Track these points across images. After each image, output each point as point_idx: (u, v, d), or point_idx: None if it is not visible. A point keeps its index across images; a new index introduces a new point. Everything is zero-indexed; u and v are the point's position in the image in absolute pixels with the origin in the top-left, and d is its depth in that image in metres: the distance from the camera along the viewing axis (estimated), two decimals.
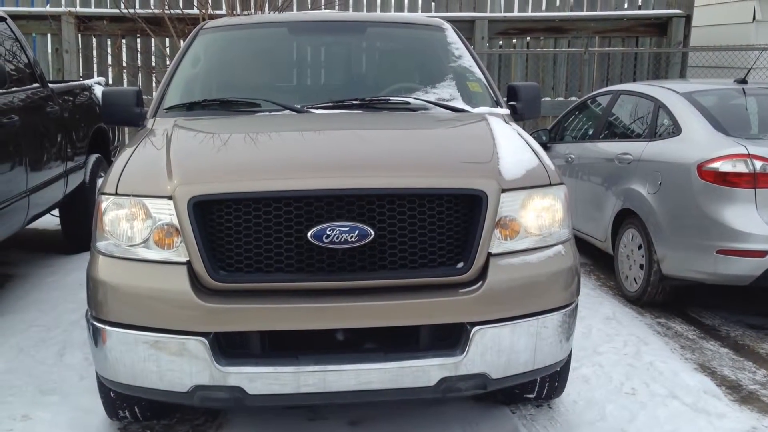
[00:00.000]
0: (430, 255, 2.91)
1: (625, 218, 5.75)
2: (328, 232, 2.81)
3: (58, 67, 10.36)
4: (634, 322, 5.13)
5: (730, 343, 4.79)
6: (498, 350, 2.93)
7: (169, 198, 2.89)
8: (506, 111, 4.20)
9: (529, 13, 10.94)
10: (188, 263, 2.86)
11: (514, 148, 3.37)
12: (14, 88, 5.38)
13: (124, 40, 10.34)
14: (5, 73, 4.52)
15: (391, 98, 4.05)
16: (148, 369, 2.88)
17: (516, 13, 10.95)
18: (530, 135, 7.63)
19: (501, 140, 3.44)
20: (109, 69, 10.39)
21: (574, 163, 6.78)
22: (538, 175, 3.16)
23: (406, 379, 2.88)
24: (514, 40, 11.06)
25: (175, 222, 2.87)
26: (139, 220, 2.95)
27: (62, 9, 10.16)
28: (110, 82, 10.05)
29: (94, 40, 10.41)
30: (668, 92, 5.74)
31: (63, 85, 6.63)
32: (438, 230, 2.91)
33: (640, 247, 5.50)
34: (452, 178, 2.98)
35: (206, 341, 2.80)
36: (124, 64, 10.37)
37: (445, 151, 3.30)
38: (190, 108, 4.04)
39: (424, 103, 4.02)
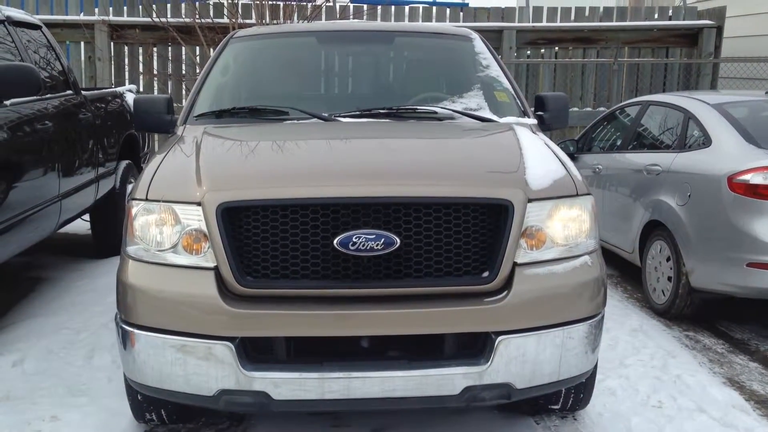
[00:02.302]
0: (455, 264, 2.91)
1: (653, 230, 5.70)
2: (354, 240, 2.83)
3: (90, 75, 10.53)
4: (661, 335, 5.08)
5: (760, 357, 4.73)
6: (523, 360, 2.92)
7: (198, 204, 2.92)
8: (533, 121, 4.20)
9: (558, 24, 10.93)
10: (216, 269, 2.89)
11: (541, 158, 3.36)
12: (48, 95, 5.48)
13: (155, 48, 10.50)
14: (41, 80, 4.61)
15: (418, 107, 4.07)
16: (175, 372, 2.91)
17: (544, 24, 10.95)
18: (557, 145, 7.66)
19: (528, 150, 3.43)
20: (141, 77, 10.55)
21: (601, 174, 6.74)
22: (564, 185, 3.15)
23: (430, 387, 2.88)
24: (542, 51, 11.04)
25: (204, 228, 2.91)
26: (169, 225, 2.99)
27: (96, 18, 10.35)
28: (141, 89, 10.21)
29: (126, 48, 10.58)
30: (698, 103, 5.70)
31: (95, 92, 6.73)
32: (464, 239, 2.91)
33: (668, 260, 5.45)
34: (478, 188, 2.99)
35: (232, 346, 2.83)
36: (155, 72, 10.53)
37: (472, 161, 3.31)
38: (220, 116, 4.09)
39: (451, 112, 4.04)
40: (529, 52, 11.03)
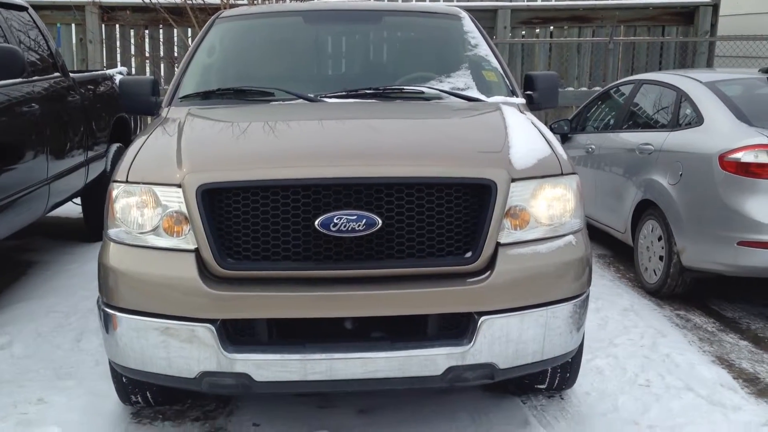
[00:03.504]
0: (438, 244, 2.89)
1: (645, 209, 5.68)
2: (335, 221, 2.81)
3: (82, 57, 10.46)
4: (652, 314, 5.07)
5: (750, 335, 4.72)
6: (506, 340, 2.91)
7: (179, 186, 2.90)
8: (522, 100, 4.17)
9: (553, 2, 10.85)
10: (196, 251, 2.87)
11: (527, 138, 3.33)
12: (35, 78, 5.44)
13: (147, 31, 10.42)
14: (24, 61, 4.57)
15: (405, 87, 4.03)
16: (157, 355, 2.90)
17: (540, 2, 10.86)
18: (552, 125, 7.60)
19: (513, 129, 3.40)
20: (132, 59, 10.48)
21: (594, 154, 6.71)
22: (549, 164, 3.12)
23: (412, 367, 2.87)
24: (537, 30, 10.96)
25: (184, 210, 2.89)
26: (149, 207, 2.96)
27: None
28: (133, 71, 10.14)
29: (117, 30, 10.49)
30: (691, 81, 5.65)
31: (85, 74, 6.70)
32: (446, 219, 2.89)
33: (660, 239, 5.43)
34: (461, 167, 2.96)
35: (213, 328, 2.81)
36: (147, 54, 10.45)
37: (456, 141, 3.28)
38: (205, 97, 4.06)
39: (438, 92, 4.00)
40: (524, 31, 10.95)
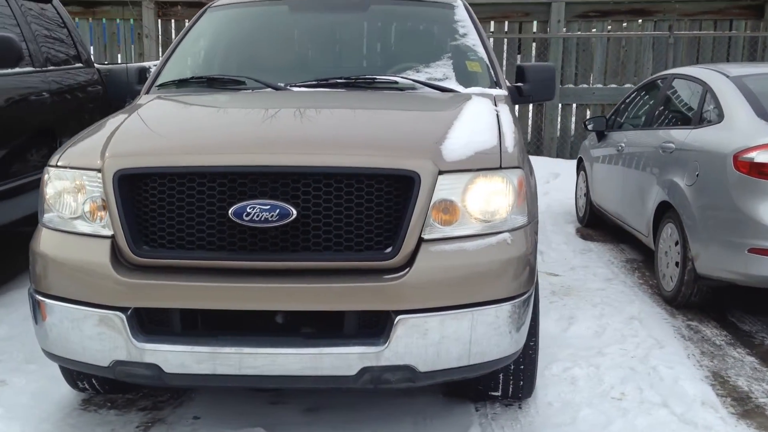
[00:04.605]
0: (356, 238, 2.76)
1: (665, 212, 5.34)
2: (248, 210, 2.71)
3: (139, 52, 10.77)
4: (659, 324, 4.75)
5: (760, 351, 4.35)
6: (424, 342, 2.74)
7: (99, 171, 2.88)
8: (503, 92, 3.98)
9: None
10: (113, 237, 2.84)
11: (475, 129, 3.15)
12: (51, 68, 5.58)
13: None
14: (20, 50, 4.67)
15: (377, 77, 3.90)
16: (75, 341, 2.88)
17: None
18: (587, 122, 7.26)
19: (464, 120, 3.23)
20: None
21: (623, 152, 6.38)
22: (487, 157, 2.93)
23: (324, 366, 2.75)
24: (594, 26, 10.55)
25: (104, 195, 2.86)
26: (75, 193, 2.95)
27: None
28: None
29: (173, 24, 10.73)
30: (717, 75, 5.27)
31: (111, 66, 6.84)
32: (366, 212, 2.75)
33: (677, 243, 5.09)
34: (383, 158, 2.81)
35: (124, 317, 2.77)
36: None
37: (392, 131, 3.14)
38: (180, 85, 4.04)
39: (412, 82, 3.86)
40: (579, 25, 10.57)
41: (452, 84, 3.90)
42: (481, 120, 3.30)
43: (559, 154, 10.66)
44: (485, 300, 2.81)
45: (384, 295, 2.73)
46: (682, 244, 4.97)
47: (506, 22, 10.68)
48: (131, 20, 10.74)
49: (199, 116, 3.38)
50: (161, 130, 3.23)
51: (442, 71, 3.99)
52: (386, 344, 2.72)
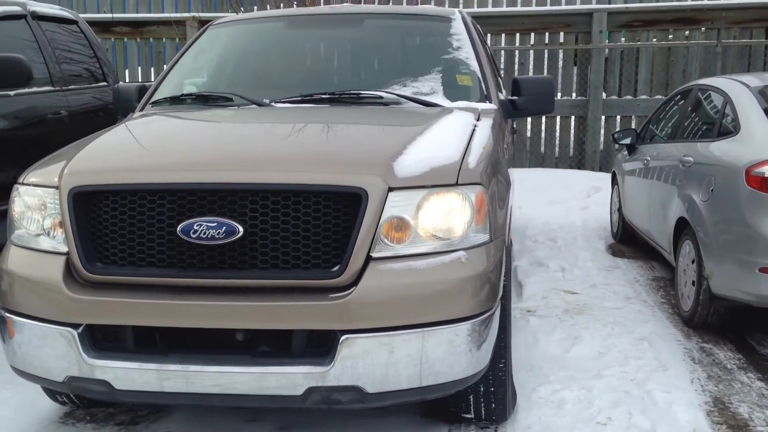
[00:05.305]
0: (303, 255, 2.72)
1: (684, 228, 5.12)
2: (195, 228, 2.72)
3: None
4: (670, 346, 4.54)
5: None
6: (371, 363, 2.68)
7: (57, 188, 2.92)
8: (491, 106, 3.89)
9: (655, 3, 10.11)
10: (68, 254, 2.87)
11: (440, 145, 3.07)
12: (72, 87, 5.74)
13: None
14: (29, 70, 4.82)
15: (362, 93, 3.87)
16: (35, 357, 2.93)
17: (639, 4, 10.18)
18: (615, 134, 7.05)
19: (431, 136, 3.17)
20: None
21: (649, 166, 6.15)
22: (443, 173, 2.85)
23: (270, 385, 2.71)
24: (638, 36, 10.27)
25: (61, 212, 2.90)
26: (39, 210, 3.01)
27: (186, 14, 10.77)
28: None
29: None
30: (737, 86, 5.03)
31: (137, 84, 6.98)
32: (314, 230, 2.71)
33: (693, 261, 4.87)
34: (330, 174, 2.77)
35: (75, 333, 2.79)
36: None
37: (350, 147, 3.10)
38: (173, 102, 4.09)
39: (397, 97, 3.81)
40: (623, 35, 10.31)
41: (438, 98, 3.84)
42: (450, 135, 3.23)
43: (603, 168, 10.38)
44: (437, 320, 2.73)
45: (329, 314, 2.68)
46: (697, 263, 4.75)
47: (546, 34, 10.49)
48: (176, 39, 10.99)
49: (167, 134, 3.41)
50: (124, 148, 3.27)
51: (429, 85, 3.93)
52: (331, 364, 2.67)
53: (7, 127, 4.93)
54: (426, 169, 2.85)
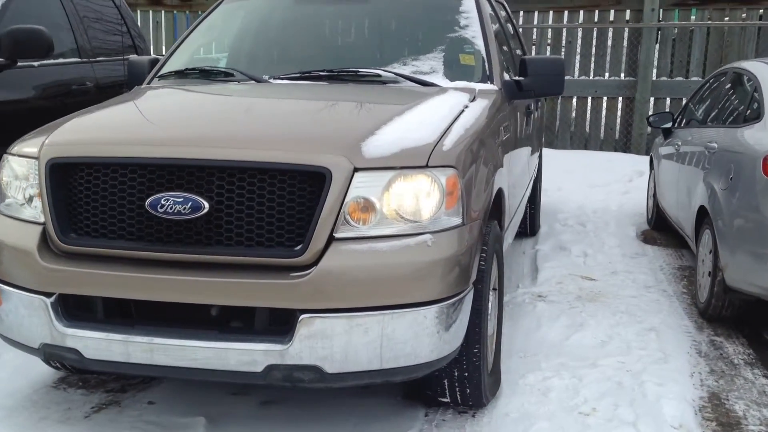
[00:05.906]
0: (268, 233, 2.73)
1: (705, 217, 4.94)
2: (162, 202, 2.75)
3: None
4: (678, 337, 4.40)
5: None
6: (330, 343, 2.67)
7: (37, 159, 2.99)
8: (491, 87, 3.83)
9: None
10: (44, 224, 2.94)
11: (418, 126, 3.03)
12: (101, 58, 5.86)
13: None
14: (50, 41, 4.90)
15: (360, 70, 3.83)
16: (13, 323, 3.02)
17: None
18: (650, 117, 6.81)
19: (412, 116, 3.13)
20: None
21: (680, 151, 5.94)
22: (413, 154, 2.81)
23: (230, 361, 2.74)
24: (692, 14, 9.89)
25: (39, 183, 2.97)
26: (24, 180, 3.08)
27: None
28: None
29: None
30: (766, 68, 4.80)
31: (150, 57, 7.09)
32: (278, 208, 2.72)
33: (710, 252, 4.70)
34: (295, 153, 2.76)
35: (48, 301, 2.87)
36: None
37: (319, 126, 3.08)
38: (178, 76, 4.13)
39: (395, 75, 3.77)
40: (677, 13, 9.94)
41: (437, 78, 3.79)
42: (433, 116, 3.18)
43: (649, 152, 10.06)
44: (399, 303, 2.71)
45: (289, 293, 2.68)
46: (714, 253, 4.58)
47: (596, 11, 10.19)
48: None
49: (151, 109, 3.45)
50: (106, 121, 3.33)
51: (430, 64, 3.89)
52: (290, 343, 2.68)
53: (31, 97, 5.06)
54: (396, 150, 2.81)
